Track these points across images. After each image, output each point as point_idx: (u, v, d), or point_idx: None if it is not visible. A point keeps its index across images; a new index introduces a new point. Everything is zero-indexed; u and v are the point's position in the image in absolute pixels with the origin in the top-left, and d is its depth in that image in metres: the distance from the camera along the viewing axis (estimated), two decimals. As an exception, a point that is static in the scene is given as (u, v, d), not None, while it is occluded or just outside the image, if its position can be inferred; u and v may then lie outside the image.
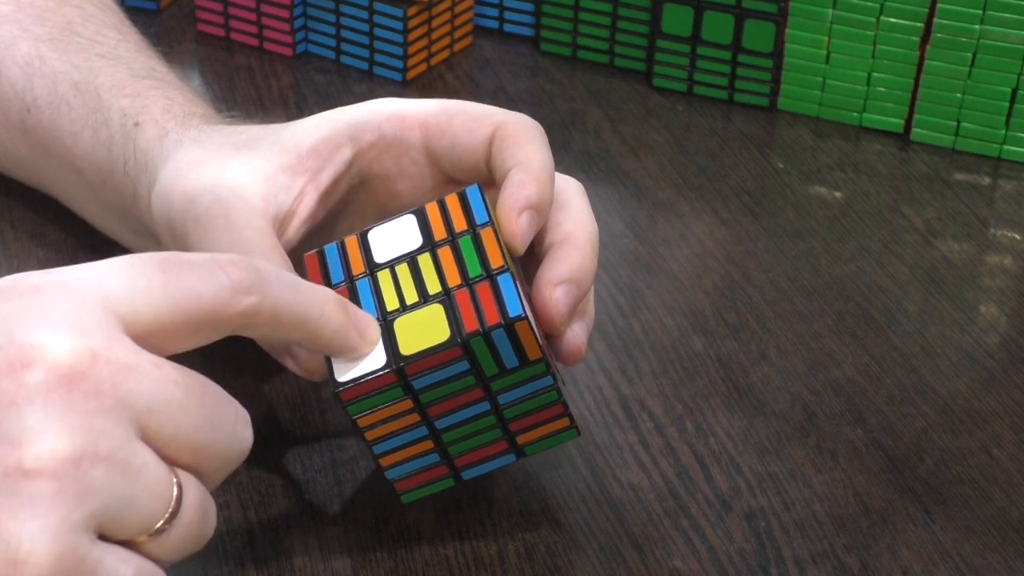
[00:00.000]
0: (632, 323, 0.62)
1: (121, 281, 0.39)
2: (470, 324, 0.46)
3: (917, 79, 0.76)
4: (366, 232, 0.50)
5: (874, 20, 0.76)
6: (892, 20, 0.75)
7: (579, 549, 0.51)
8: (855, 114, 0.78)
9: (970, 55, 0.74)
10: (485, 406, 0.47)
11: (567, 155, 0.74)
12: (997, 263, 0.68)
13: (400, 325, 0.46)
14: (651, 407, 0.58)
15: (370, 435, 0.47)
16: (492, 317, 0.45)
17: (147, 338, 0.39)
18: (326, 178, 0.53)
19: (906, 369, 0.60)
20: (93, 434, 0.37)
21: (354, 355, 0.46)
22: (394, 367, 0.45)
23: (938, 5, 0.74)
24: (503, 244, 0.48)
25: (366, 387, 0.46)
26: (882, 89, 0.77)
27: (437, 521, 0.52)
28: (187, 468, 0.40)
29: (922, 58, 0.76)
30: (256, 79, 0.81)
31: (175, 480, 0.39)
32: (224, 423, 0.41)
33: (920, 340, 0.62)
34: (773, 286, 0.65)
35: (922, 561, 0.51)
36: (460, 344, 0.45)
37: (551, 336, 0.50)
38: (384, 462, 0.48)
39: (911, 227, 0.70)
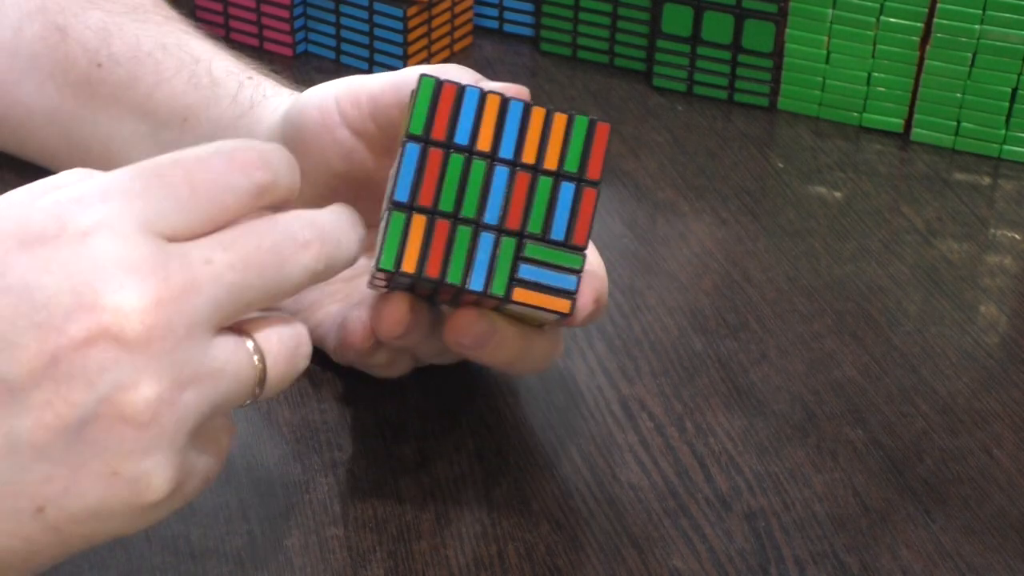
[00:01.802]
0: (632, 323, 0.62)
1: (156, 204, 0.40)
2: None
3: (917, 79, 0.76)
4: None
5: (874, 20, 0.76)
6: (892, 20, 0.75)
7: (579, 549, 0.51)
8: (855, 114, 0.78)
9: (970, 55, 0.74)
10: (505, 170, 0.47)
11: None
12: (997, 263, 0.68)
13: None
14: (651, 407, 0.58)
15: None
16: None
17: (185, 236, 0.41)
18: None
19: (906, 369, 0.60)
20: (176, 368, 0.39)
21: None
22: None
23: (938, 5, 0.74)
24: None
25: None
26: (882, 89, 0.77)
27: (437, 521, 0.52)
28: (277, 309, 0.43)
29: (922, 58, 0.76)
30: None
31: (255, 350, 0.42)
32: (288, 267, 0.42)
33: (920, 340, 0.62)
34: (773, 286, 0.65)
35: (922, 561, 0.51)
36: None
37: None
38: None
39: (911, 227, 0.70)
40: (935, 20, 0.74)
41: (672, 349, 0.61)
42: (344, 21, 0.81)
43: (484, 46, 0.86)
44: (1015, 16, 0.72)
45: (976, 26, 0.73)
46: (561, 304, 0.47)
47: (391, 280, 0.48)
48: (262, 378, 0.42)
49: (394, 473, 0.54)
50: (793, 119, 0.79)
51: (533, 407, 0.57)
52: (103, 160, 0.63)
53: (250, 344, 0.42)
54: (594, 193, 0.47)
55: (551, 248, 0.47)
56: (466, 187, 0.47)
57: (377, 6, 0.80)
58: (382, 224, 0.47)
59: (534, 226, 0.47)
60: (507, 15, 0.86)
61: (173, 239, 0.40)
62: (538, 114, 0.47)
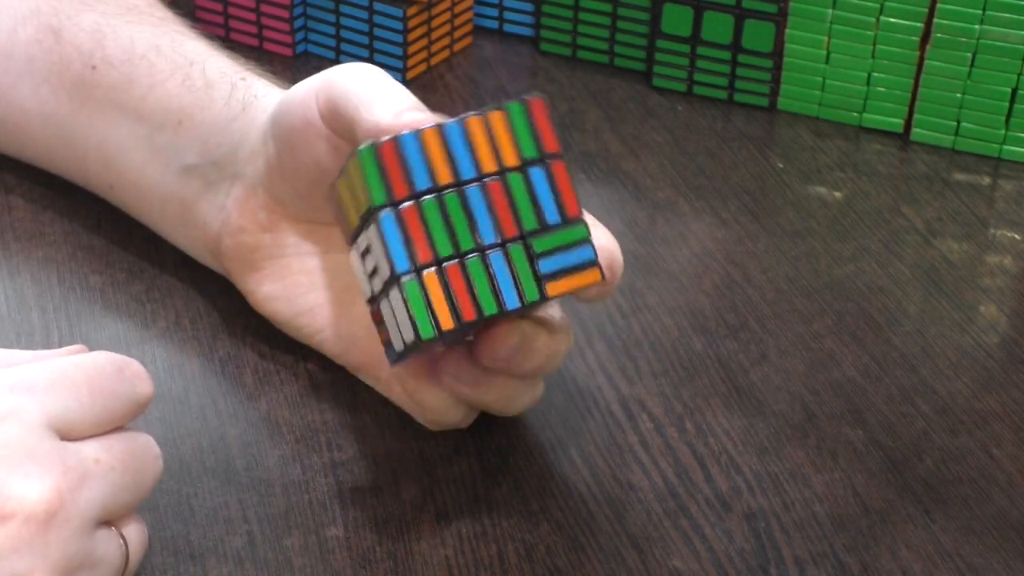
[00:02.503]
0: (632, 323, 0.62)
1: (58, 404, 0.44)
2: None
3: (917, 79, 0.76)
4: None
5: (874, 20, 0.76)
6: (892, 20, 0.75)
7: (579, 549, 0.51)
8: (855, 114, 0.78)
9: (970, 55, 0.74)
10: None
11: (567, 155, 0.74)
12: (997, 263, 0.68)
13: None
14: (651, 407, 0.58)
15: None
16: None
17: (76, 437, 0.45)
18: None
19: (906, 369, 0.60)
20: (69, 558, 0.42)
21: None
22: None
23: (938, 5, 0.74)
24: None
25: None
26: (882, 89, 0.77)
27: (437, 521, 0.52)
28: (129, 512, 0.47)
29: (922, 58, 0.76)
30: (256, 79, 0.81)
31: (123, 543, 0.45)
32: (148, 474, 0.47)
33: (920, 340, 0.62)
34: (773, 286, 0.65)
35: (922, 561, 0.51)
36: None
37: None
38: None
39: (911, 227, 0.70)
40: (935, 20, 0.74)
41: (672, 349, 0.61)
42: (344, 21, 0.81)
43: (484, 46, 0.86)
44: (1015, 16, 0.72)
45: (976, 26, 0.73)
46: (591, 275, 0.48)
47: (420, 348, 0.48)
48: (126, 563, 0.45)
49: (394, 473, 0.54)
50: (793, 119, 0.79)
51: (533, 407, 0.57)
52: (101, 162, 0.63)
53: (119, 539, 0.45)
54: (562, 164, 0.48)
55: (554, 233, 0.47)
56: (452, 223, 0.46)
57: (377, 6, 0.80)
58: (391, 303, 0.47)
59: (529, 223, 0.47)
60: (507, 15, 0.86)
61: (67, 436, 0.44)
62: (476, 124, 0.47)
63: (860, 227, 0.70)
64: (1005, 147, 0.76)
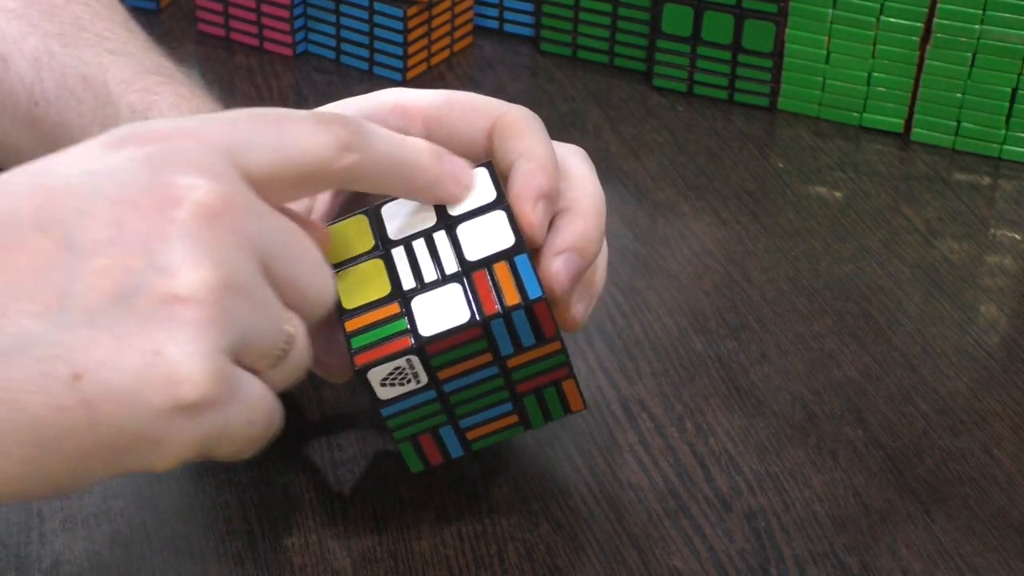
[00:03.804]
0: (632, 323, 0.62)
1: (240, 132, 0.42)
2: (489, 306, 0.46)
3: (917, 79, 0.76)
4: (378, 207, 0.50)
5: (874, 20, 0.76)
6: (892, 20, 0.75)
7: (579, 549, 0.51)
8: (855, 114, 0.78)
9: (970, 55, 0.74)
10: (494, 371, 0.48)
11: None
12: (997, 263, 0.68)
13: (418, 303, 0.47)
14: (651, 407, 0.58)
15: (383, 397, 0.48)
16: (512, 298, 0.46)
17: (260, 186, 0.42)
18: None
19: (906, 369, 0.60)
20: (233, 267, 0.39)
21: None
22: (415, 347, 0.46)
23: (938, 5, 0.74)
24: (517, 225, 0.48)
25: (381, 352, 0.47)
26: (882, 89, 0.77)
27: (437, 521, 0.52)
28: (291, 308, 0.43)
29: (922, 58, 0.76)
30: (256, 79, 0.81)
31: (288, 330, 0.42)
32: (320, 273, 0.44)
33: (920, 340, 0.62)
34: (773, 286, 0.65)
35: (922, 561, 0.51)
36: (480, 324, 0.46)
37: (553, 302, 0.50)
38: (391, 423, 0.49)
39: (911, 227, 0.70)
40: (935, 20, 0.74)
41: (672, 349, 0.61)
42: (344, 21, 0.81)
43: (484, 46, 0.86)
44: (1015, 16, 0.72)
45: (976, 26, 0.73)
46: (569, 391, 0.50)
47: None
48: (289, 343, 0.42)
49: (394, 473, 0.54)
50: (793, 119, 0.79)
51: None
52: None
53: (286, 309, 0.42)
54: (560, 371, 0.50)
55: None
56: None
57: (377, 6, 0.80)
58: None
59: (536, 422, 0.51)
60: (507, 15, 0.86)
61: (250, 175, 0.41)
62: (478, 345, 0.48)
63: (860, 227, 0.70)
64: (1005, 147, 0.76)
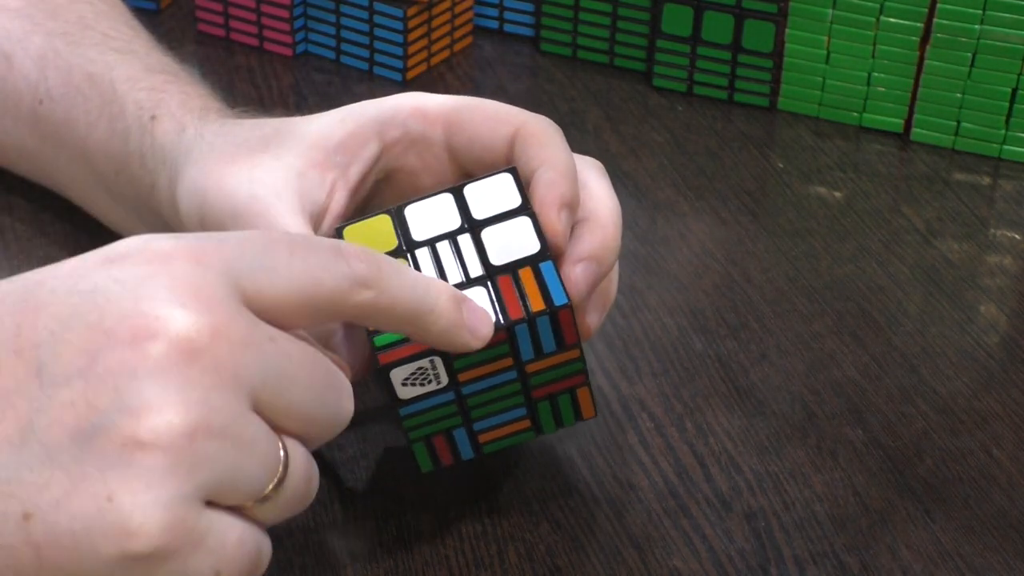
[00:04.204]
0: (632, 323, 0.62)
1: (249, 256, 0.40)
2: (515, 311, 0.47)
3: (917, 79, 0.76)
4: (402, 208, 0.50)
5: (874, 20, 0.76)
6: (892, 20, 0.75)
7: (579, 549, 0.51)
8: (855, 114, 0.78)
9: (970, 55, 0.74)
10: (513, 375, 0.48)
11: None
12: (997, 263, 0.68)
13: None
14: (651, 407, 0.58)
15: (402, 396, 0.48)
16: (537, 304, 0.47)
17: (265, 313, 0.40)
18: (354, 174, 0.53)
19: (906, 369, 0.60)
20: (208, 409, 0.37)
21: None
22: (438, 351, 0.46)
23: (938, 5, 0.74)
24: (541, 231, 0.48)
25: (405, 352, 0.47)
26: (882, 89, 0.77)
27: (437, 521, 0.52)
28: (293, 436, 0.41)
29: (922, 58, 0.76)
30: (256, 79, 0.81)
31: (282, 449, 0.40)
32: (330, 395, 0.42)
33: (920, 340, 0.62)
34: (773, 286, 0.65)
35: (922, 561, 0.51)
36: (504, 328, 0.46)
37: None
38: (408, 423, 0.49)
39: (911, 227, 0.70)
40: (935, 20, 0.74)
41: (672, 349, 0.61)
42: (344, 21, 0.81)
43: (484, 46, 0.86)
44: (1015, 16, 0.72)
45: (976, 26, 0.73)
46: (583, 398, 0.51)
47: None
48: (282, 477, 0.40)
49: (394, 473, 0.54)
50: (793, 119, 0.79)
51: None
52: (77, 194, 0.63)
53: (280, 443, 0.40)
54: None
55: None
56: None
57: (377, 6, 0.80)
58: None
59: (548, 427, 0.51)
60: (507, 15, 0.86)
61: (253, 301, 0.39)
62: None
63: (860, 227, 0.70)
64: (1005, 147, 0.76)
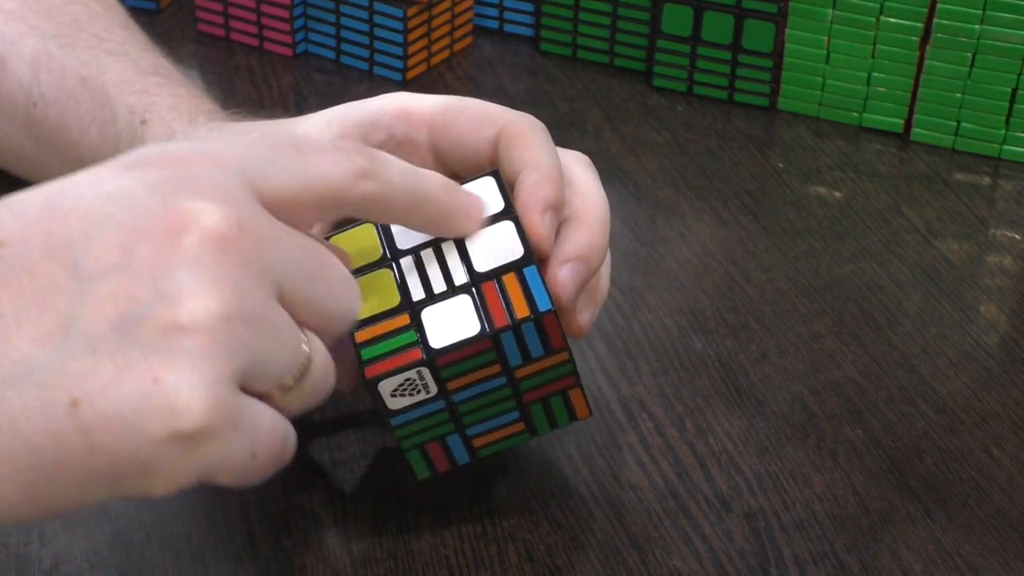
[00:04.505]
0: (632, 323, 0.62)
1: (259, 156, 0.42)
2: (500, 319, 0.46)
3: (917, 79, 0.76)
4: None
5: (874, 20, 0.76)
6: (892, 20, 0.75)
7: (579, 549, 0.51)
8: (855, 114, 0.78)
9: (970, 55, 0.74)
10: (502, 380, 0.48)
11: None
12: (997, 263, 0.68)
13: (428, 315, 0.47)
14: (651, 407, 0.58)
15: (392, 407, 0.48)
16: (521, 310, 0.46)
17: (278, 210, 0.41)
18: None
19: (906, 369, 0.60)
20: (240, 296, 0.39)
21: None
22: (425, 359, 0.46)
23: (938, 5, 0.74)
24: (525, 235, 0.48)
25: (392, 364, 0.47)
26: (882, 89, 0.77)
27: (437, 521, 0.52)
28: (311, 329, 0.42)
29: (922, 58, 0.76)
30: (256, 79, 0.81)
31: (305, 340, 0.42)
32: (343, 291, 0.43)
33: (920, 340, 0.62)
34: (773, 286, 0.65)
35: (922, 561, 0.51)
36: (490, 337, 0.46)
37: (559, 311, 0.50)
38: (399, 432, 0.49)
39: (911, 227, 0.70)
40: (935, 20, 0.74)
41: (672, 349, 0.61)
42: (344, 21, 0.81)
43: (484, 46, 0.86)
44: (1015, 16, 0.72)
45: (976, 26, 0.73)
46: (575, 398, 0.50)
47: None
48: (305, 367, 0.42)
49: (394, 473, 0.54)
50: (793, 119, 0.79)
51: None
52: None
53: (301, 331, 0.42)
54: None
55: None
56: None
57: (377, 6, 0.80)
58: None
59: (542, 429, 0.51)
60: (507, 15, 0.86)
61: (267, 197, 0.41)
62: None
63: (860, 227, 0.70)
64: (1005, 147, 0.76)
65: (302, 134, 0.43)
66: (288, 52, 0.83)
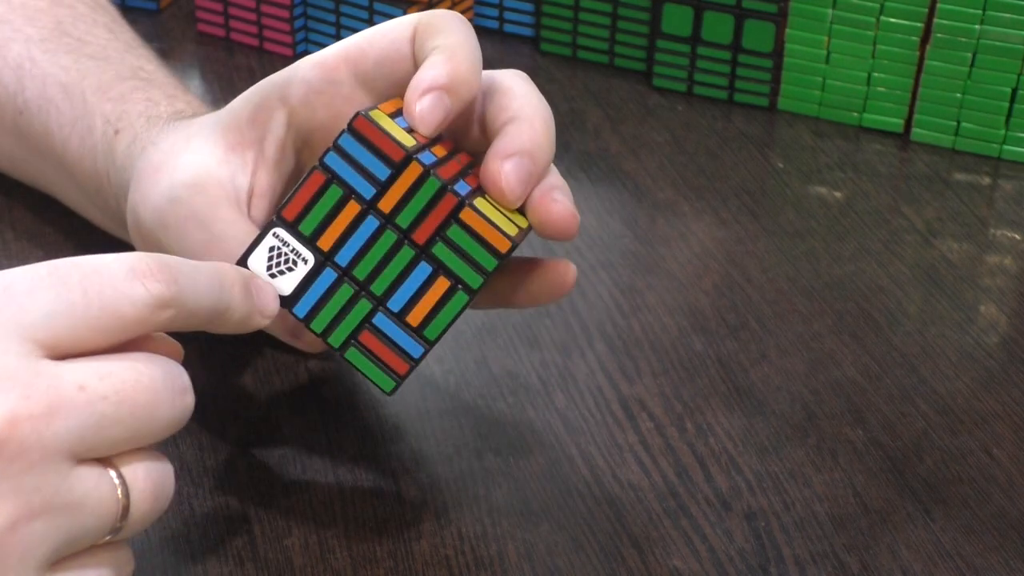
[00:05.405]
0: (632, 323, 0.62)
1: (39, 307, 0.39)
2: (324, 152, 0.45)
3: (917, 79, 0.76)
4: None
5: (874, 20, 0.76)
6: (892, 20, 0.75)
7: (579, 549, 0.51)
8: (855, 114, 0.78)
9: (970, 55, 0.74)
10: (375, 223, 0.46)
11: (567, 155, 0.74)
12: (997, 263, 0.68)
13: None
14: (651, 407, 0.58)
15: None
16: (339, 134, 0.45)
17: (70, 353, 0.39)
18: (271, 146, 0.52)
19: (906, 369, 0.60)
20: (24, 495, 0.37)
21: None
22: (273, 218, 0.45)
23: (938, 5, 0.74)
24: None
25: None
26: (882, 89, 0.77)
27: (437, 521, 0.52)
28: (136, 450, 0.41)
29: (922, 58, 0.76)
30: (256, 79, 0.80)
31: (119, 484, 0.40)
32: (162, 408, 0.41)
33: (920, 340, 0.62)
34: (773, 286, 0.65)
35: (922, 561, 0.51)
36: (318, 167, 0.45)
37: (536, 207, 0.48)
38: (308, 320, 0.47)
39: (911, 227, 0.70)
40: (935, 20, 0.74)
41: (672, 349, 0.61)
42: (344, 21, 0.81)
43: (484, 46, 0.85)
44: (1015, 16, 0.72)
45: (976, 26, 0.73)
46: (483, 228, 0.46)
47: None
48: (124, 513, 0.40)
49: (394, 473, 0.54)
50: (793, 119, 0.79)
51: (533, 407, 0.57)
52: (66, 202, 0.63)
53: (114, 476, 0.40)
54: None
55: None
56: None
57: (377, 6, 0.80)
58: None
59: (471, 279, 0.47)
60: (507, 15, 0.86)
61: (55, 349, 0.38)
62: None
63: (860, 227, 0.70)
64: (1005, 147, 0.76)
65: (95, 264, 0.40)
66: (288, 52, 0.83)
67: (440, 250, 0.46)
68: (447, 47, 0.48)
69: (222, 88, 0.80)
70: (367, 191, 0.45)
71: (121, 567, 0.41)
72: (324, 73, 0.51)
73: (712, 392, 0.59)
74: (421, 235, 0.46)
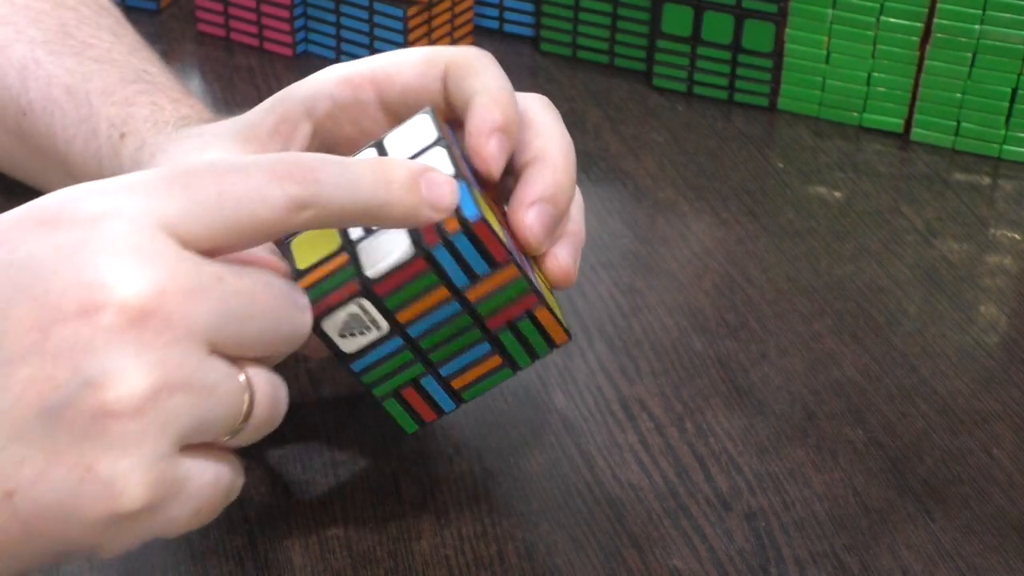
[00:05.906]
0: (632, 323, 0.62)
1: (177, 203, 0.39)
2: (430, 237, 0.45)
3: (917, 79, 0.76)
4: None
5: (874, 20, 0.76)
6: (892, 20, 0.75)
7: (579, 549, 0.51)
8: (855, 114, 0.78)
9: (970, 55, 0.74)
10: (456, 307, 0.46)
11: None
12: (997, 263, 0.68)
13: (363, 248, 0.46)
14: (651, 407, 0.58)
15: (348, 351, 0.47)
16: (451, 224, 0.44)
17: (205, 250, 0.40)
18: None
19: (906, 369, 0.60)
20: (167, 366, 0.38)
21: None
22: (362, 289, 0.45)
23: (938, 5, 0.74)
24: (458, 159, 0.47)
25: (331, 301, 0.45)
26: (882, 89, 0.77)
27: (437, 521, 0.52)
28: (255, 361, 0.41)
29: (922, 58, 0.76)
30: (256, 79, 0.81)
31: (246, 384, 0.40)
32: (285, 314, 0.42)
33: (920, 340, 0.62)
34: (773, 286, 0.65)
35: (922, 561, 0.51)
36: (422, 255, 0.45)
37: (536, 259, 0.49)
38: (366, 378, 0.47)
39: (911, 227, 0.70)
40: (935, 20, 0.74)
41: (672, 349, 0.61)
42: (344, 21, 0.81)
43: (484, 46, 0.85)
44: (1015, 16, 0.72)
45: (976, 26, 0.73)
46: (547, 322, 0.48)
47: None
48: (249, 410, 0.41)
49: (394, 473, 0.54)
50: (793, 119, 0.79)
51: (533, 407, 0.57)
52: None
53: (242, 377, 0.40)
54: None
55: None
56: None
57: (377, 6, 0.80)
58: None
59: (522, 360, 0.49)
60: (507, 15, 0.86)
61: (190, 245, 0.39)
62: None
63: (860, 227, 0.70)
64: (1005, 147, 0.76)
65: (229, 161, 0.41)
66: (288, 52, 0.83)
67: (506, 337, 0.48)
68: (492, 90, 0.49)
69: (222, 88, 0.80)
70: (461, 281, 0.46)
71: (237, 473, 0.42)
72: (351, 91, 0.52)
73: (712, 392, 0.59)
74: (494, 323, 0.47)
